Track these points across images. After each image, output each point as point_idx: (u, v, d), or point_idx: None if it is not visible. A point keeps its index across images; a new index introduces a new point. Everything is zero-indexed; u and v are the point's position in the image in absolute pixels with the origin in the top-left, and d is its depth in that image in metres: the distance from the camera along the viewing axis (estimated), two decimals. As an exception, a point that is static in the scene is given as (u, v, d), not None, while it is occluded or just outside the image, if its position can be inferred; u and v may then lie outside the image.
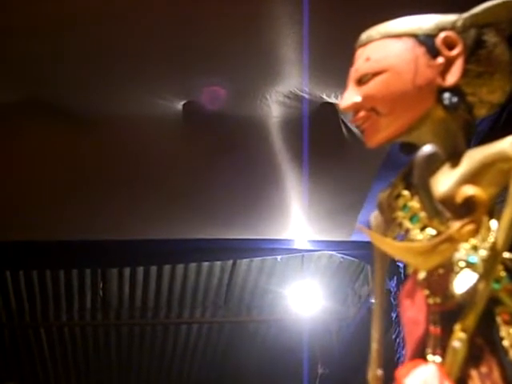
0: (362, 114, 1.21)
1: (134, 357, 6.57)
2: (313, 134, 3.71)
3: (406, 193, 1.21)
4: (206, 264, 5.61)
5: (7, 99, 3.54)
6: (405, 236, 1.21)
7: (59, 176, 3.95)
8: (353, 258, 5.04)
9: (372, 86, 1.20)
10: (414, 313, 1.18)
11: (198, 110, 3.72)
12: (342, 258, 5.25)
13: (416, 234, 1.18)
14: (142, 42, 3.26)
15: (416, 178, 1.17)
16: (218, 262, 5.57)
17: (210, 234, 4.46)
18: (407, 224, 1.20)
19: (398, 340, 4.30)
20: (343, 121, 3.82)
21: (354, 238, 4.58)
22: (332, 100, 3.63)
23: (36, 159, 3.85)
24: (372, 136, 1.22)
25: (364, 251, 4.89)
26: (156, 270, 5.65)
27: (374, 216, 1.28)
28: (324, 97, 3.64)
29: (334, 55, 3.10)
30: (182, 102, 3.68)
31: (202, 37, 3.24)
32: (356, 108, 1.22)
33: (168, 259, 5.06)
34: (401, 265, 3.96)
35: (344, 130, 3.85)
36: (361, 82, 1.22)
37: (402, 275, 4.16)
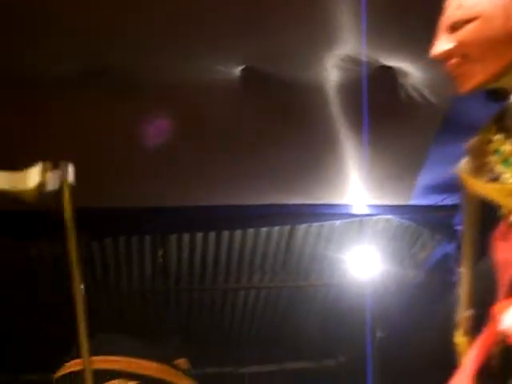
0: (453, 60, 1.24)
1: (192, 321, 6.68)
2: (370, 97, 3.71)
3: (498, 137, 1.23)
4: (263, 230, 5.64)
5: (73, 70, 3.61)
6: (496, 180, 1.23)
7: (124, 145, 4.02)
8: (411, 222, 5.04)
9: (464, 33, 1.22)
10: (507, 253, 1.21)
11: (256, 75, 3.75)
12: (400, 222, 5.25)
13: (508, 177, 1.21)
14: (201, 8, 3.29)
15: (511, 121, 1.19)
16: (276, 228, 5.59)
17: (268, 199, 4.50)
18: (499, 168, 1.22)
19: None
20: (401, 84, 3.81)
21: (412, 202, 4.58)
22: (389, 63, 3.62)
23: (101, 128, 3.93)
24: (464, 82, 1.24)
25: (422, 215, 4.89)
26: (214, 235, 5.70)
27: (465, 162, 1.30)
28: (381, 60, 3.63)
29: (392, 19, 3.09)
30: (241, 68, 3.71)
31: (261, 3, 3.25)
32: (447, 55, 1.24)
33: (226, 225, 5.12)
34: (459, 229, 3.95)
35: (401, 93, 3.84)
36: (453, 29, 1.24)
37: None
